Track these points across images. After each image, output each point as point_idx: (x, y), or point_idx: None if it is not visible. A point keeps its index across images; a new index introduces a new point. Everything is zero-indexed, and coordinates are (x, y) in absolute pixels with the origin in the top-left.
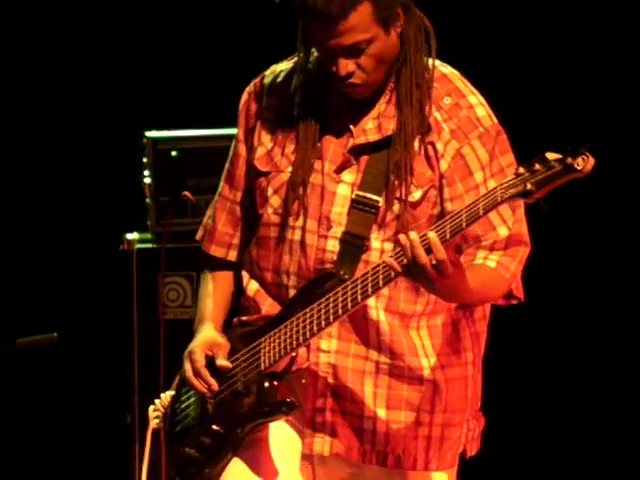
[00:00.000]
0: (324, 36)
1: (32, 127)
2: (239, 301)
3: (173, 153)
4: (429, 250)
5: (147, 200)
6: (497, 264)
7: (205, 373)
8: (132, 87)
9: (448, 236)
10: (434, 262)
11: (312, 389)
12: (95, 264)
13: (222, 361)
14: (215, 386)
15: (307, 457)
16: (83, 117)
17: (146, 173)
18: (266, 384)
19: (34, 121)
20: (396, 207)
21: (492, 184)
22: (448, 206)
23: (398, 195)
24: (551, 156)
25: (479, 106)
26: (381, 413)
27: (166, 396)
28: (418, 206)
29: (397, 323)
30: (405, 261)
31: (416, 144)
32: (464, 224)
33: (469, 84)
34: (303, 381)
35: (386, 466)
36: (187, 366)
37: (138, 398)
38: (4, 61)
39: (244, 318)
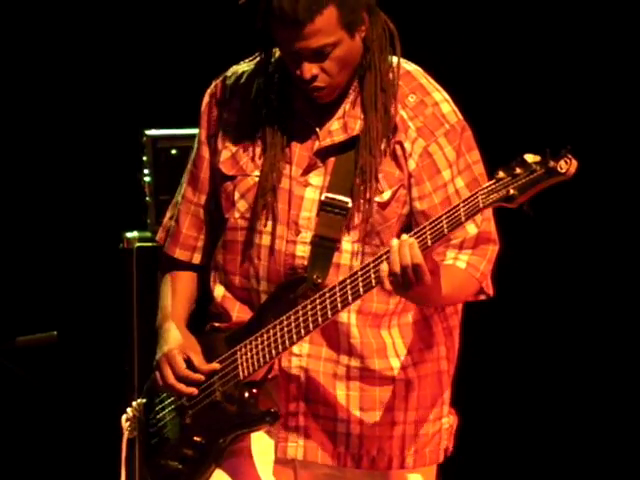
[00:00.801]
0: (289, 39)
1: (32, 126)
2: (206, 305)
3: (173, 151)
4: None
5: (147, 198)
6: (467, 264)
7: (189, 374)
8: (132, 85)
9: (429, 242)
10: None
11: (284, 393)
12: (95, 262)
13: (208, 365)
14: (202, 379)
15: (288, 462)
16: (83, 115)
17: (146, 171)
18: (246, 394)
19: (34, 120)
20: (365, 208)
21: (459, 182)
22: (417, 205)
23: (365, 197)
24: (530, 158)
25: (444, 102)
26: (355, 415)
27: (138, 404)
28: (387, 206)
29: (368, 324)
30: (389, 266)
31: (383, 145)
32: (446, 230)
33: (432, 80)
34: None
35: (361, 468)
36: (167, 372)
37: (138, 396)
38: (4, 60)
39: (216, 324)
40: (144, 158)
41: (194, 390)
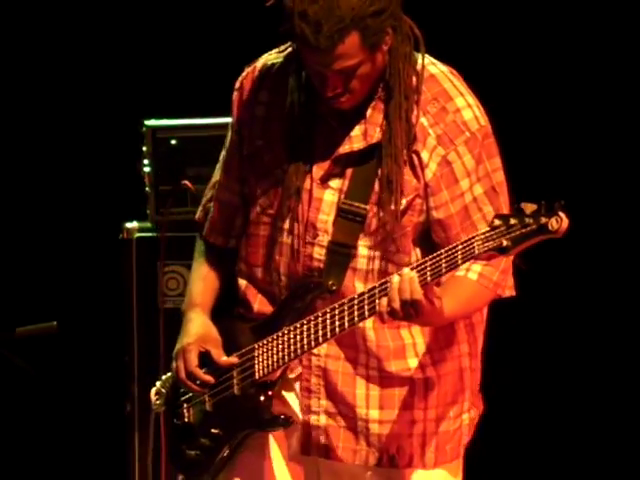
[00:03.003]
0: (312, 60)
1: (31, 117)
2: (234, 286)
3: (173, 142)
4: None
5: (147, 189)
6: (479, 276)
7: (198, 373)
8: (131, 75)
9: (429, 279)
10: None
11: (306, 392)
12: (95, 253)
13: (225, 359)
14: (212, 380)
15: (309, 460)
16: (82, 106)
17: (145, 162)
18: (262, 398)
19: (33, 111)
20: (383, 216)
21: (478, 189)
22: (434, 214)
23: (386, 206)
24: (527, 208)
25: (466, 109)
26: (374, 414)
27: (167, 377)
28: (404, 215)
29: (387, 325)
30: (388, 301)
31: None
32: (444, 270)
33: (458, 82)
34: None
35: (381, 466)
36: (180, 365)
37: (137, 387)
38: (3, 51)
39: (241, 311)
40: (144, 148)
41: (202, 390)
